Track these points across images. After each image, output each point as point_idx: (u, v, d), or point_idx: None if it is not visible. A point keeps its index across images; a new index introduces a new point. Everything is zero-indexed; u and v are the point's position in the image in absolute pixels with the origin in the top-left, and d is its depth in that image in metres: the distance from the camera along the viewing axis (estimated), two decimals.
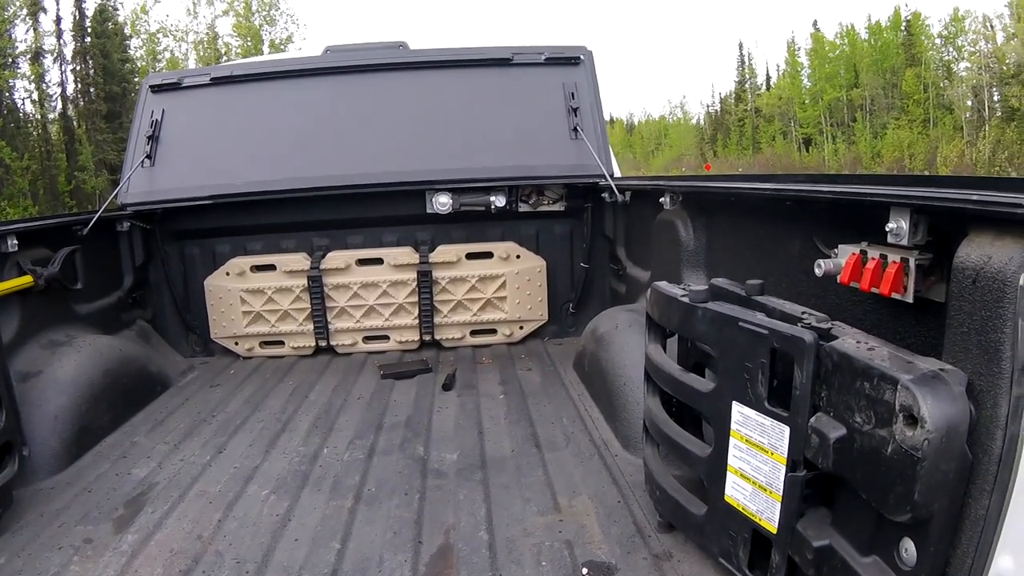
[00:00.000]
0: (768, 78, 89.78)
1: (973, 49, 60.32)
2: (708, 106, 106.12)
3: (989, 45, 58.43)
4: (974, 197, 1.80)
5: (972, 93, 59.70)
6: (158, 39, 51.24)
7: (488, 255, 5.90)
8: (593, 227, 6.03)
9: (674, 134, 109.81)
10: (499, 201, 5.81)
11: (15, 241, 4.25)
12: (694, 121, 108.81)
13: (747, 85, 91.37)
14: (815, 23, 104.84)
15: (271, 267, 5.88)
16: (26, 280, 4.32)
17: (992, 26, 57.85)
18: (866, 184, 2.32)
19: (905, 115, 62.87)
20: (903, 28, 66.73)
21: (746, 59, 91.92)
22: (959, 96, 60.53)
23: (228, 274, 5.90)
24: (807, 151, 75.69)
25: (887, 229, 2.14)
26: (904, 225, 2.10)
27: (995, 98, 58.10)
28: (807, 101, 76.32)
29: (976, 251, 1.85)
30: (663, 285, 2.90)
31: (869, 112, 67.95)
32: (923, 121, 61.57)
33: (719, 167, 76.77)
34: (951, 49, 62.79)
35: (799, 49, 78.78)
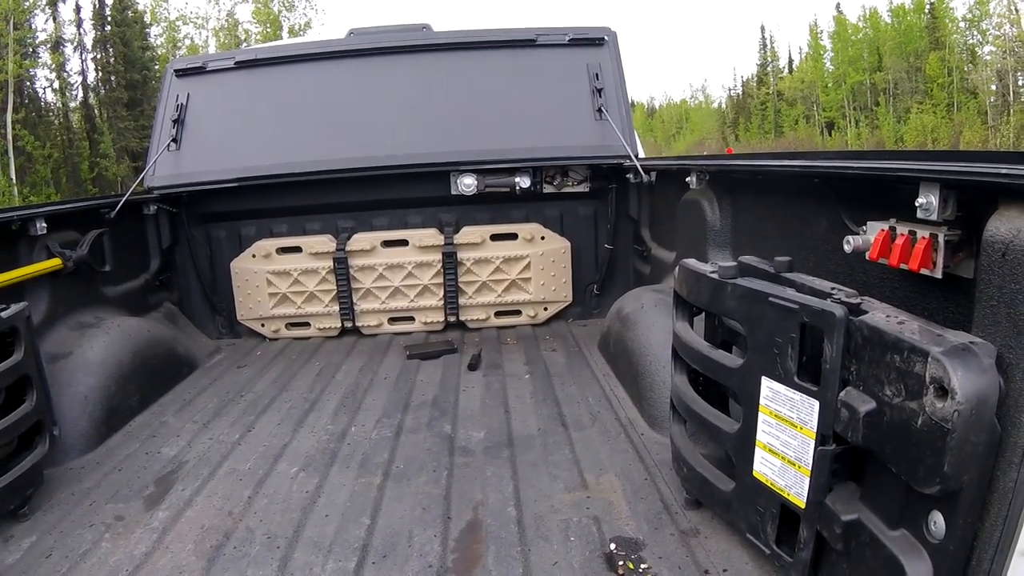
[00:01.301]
0: (790, 61, 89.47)
1: (998, 33, 59.82)
2: (730, 90, 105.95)
3: (1014, 29, 57.87)
4: (1003, 171, 1.80)
5: (996, 77, 59.18)
6: (178, 27, 51.41)
7: (513, 236, 5.91)
8: (617, 208, 6.03)
9: (695, 118, 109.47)
10: (524, 182, 5.81)
11: (44, 224, 4.31)
12: (716, 105, 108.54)
13: (769, 68, 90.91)
14: (838, 5, 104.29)
15: (297, 249, 5.92)
16: (55, 263, 4.38)
17: (1017, 9, 57.29)
18: (894, 159, 2.32)
19: (929, 99, 62.41)
20: (927, 11, 66.18)
21: (768, 42, 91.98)
22: (983, 80, 60.00)
23: (254, 256, 5.94)
24: (830, 135, 75.33)
25: (917, 204, 2.13)
26: (934, 200, 2.09)
27: (1020, 83, 57.58)
28: (830, 84, 75.90)
29: (1006, 224, 1.85)
30: (692, 262, 2.91)
31: (892, 96, 67.53)
32: (947, 105, 61.11)
33: (741, 151, 76.37)
34: (975, 32, 62.29)
35: (821, 32, 78.40)
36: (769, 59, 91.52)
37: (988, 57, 60.80)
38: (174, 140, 5.78)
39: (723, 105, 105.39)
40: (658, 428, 3.70)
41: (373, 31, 6.14)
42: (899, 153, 2.18)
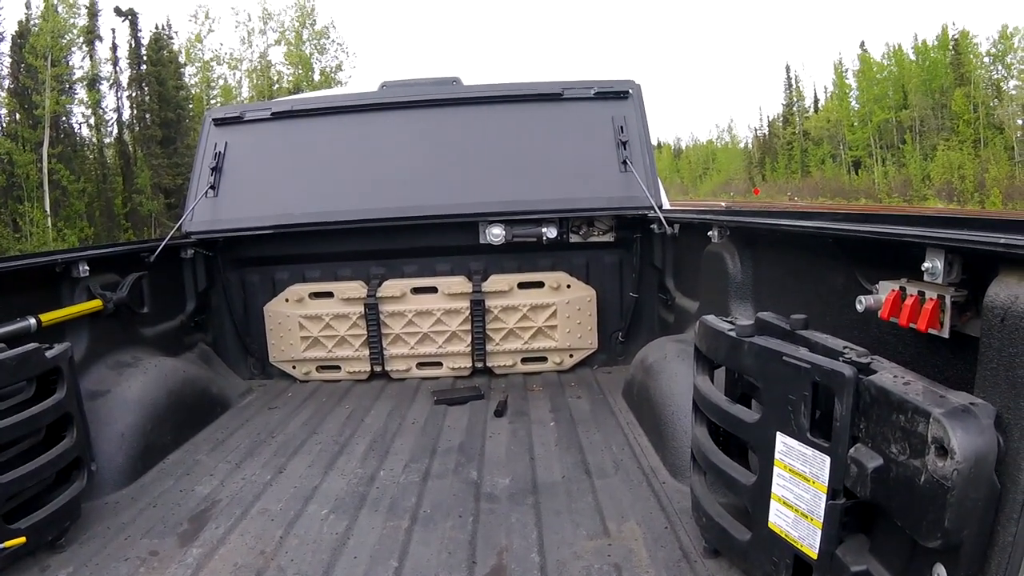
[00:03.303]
0: (816, 100, 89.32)
1: (1023, 67, 59.50)
2: (756, 129, 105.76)
3: None
4: (1002, 240, 1.90)
5: (1022, 112, 58.80)
6: (212, 67, 52.08)
7: (539, 284, 6.01)
8: (642, 257, 6.12)
9: (722, 158, 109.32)
10: (550, 232, 5.92)
11: (86, 267, 4.47)
12: (742, 145, 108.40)
13: (795, 108, 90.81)
14: (862, 44, 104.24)
15: (329, 294, 6.05)
16: (96, 304, 4.53)
17: None
18: (903, 225, 2.41)
19: (955, 136, 62.00)
20: (951, 47, 65.97)
21: (793, 81, 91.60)
22: (1009, 115, 59.64)
23: (287, 300, 6.08)
24: (856, 174, 74.98)
25: (923, 268, 2.23)
26: (939, 265, 2.19)
27: None
28: (856, 123, 75.65)
29: (1005, 291, 1.94)
30: (711, 319, 3.00)
31: (919, 133, 67.15)
32: (973, 142, 60.71)
33: (768, 191, 76.32)
34: (1000, 67, 61.98)
35: (846, 70, 78.27)
36: (795, 98, 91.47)
37: (1014, 92, 60.54)
38: (212, 187, 5.96)
39: (749, 145, 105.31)
40: (679, 477, 3.76)
41: (405, 84, 6.30)
42: (907, 218, 2.22)
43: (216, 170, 6.01)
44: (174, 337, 5.64)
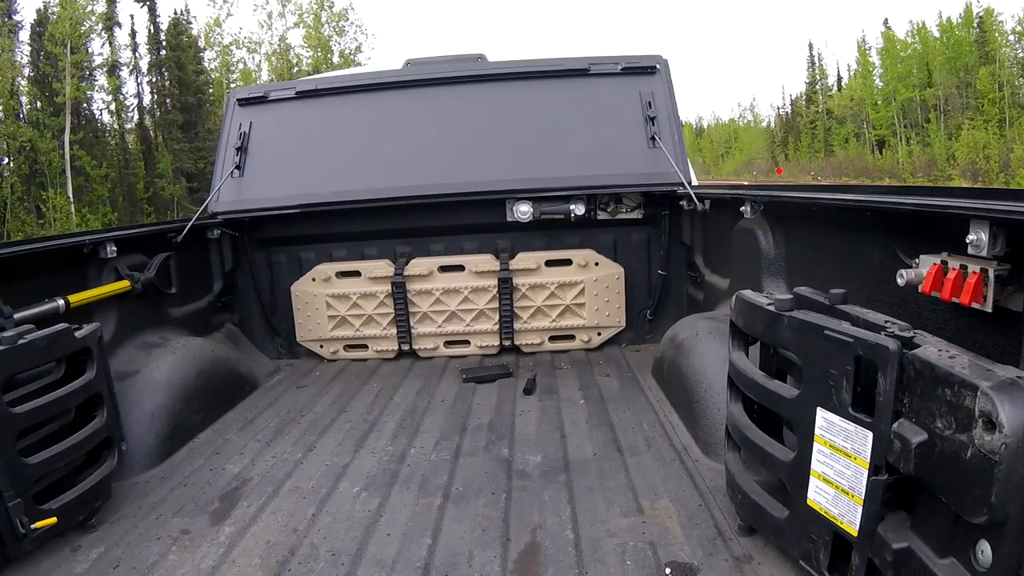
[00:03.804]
0: (839, 79, 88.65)
1: None
2: (778, 108, 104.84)
3: None
4: None
5: None
6: (231, 51, 52.15)
7: (567, 262, 5.99)
8: (670, 235, 6.09)
9: (744, 137, 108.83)
10: (578, 209, 5.90)
11: (114, 248, 4.50)
12: (764, 124, 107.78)
13: (818, 86, 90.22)
14: (886, 21, 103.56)
15: (356, 273, 6.06)
16: (123, 285, 4.55)
17: None
18: (946, 196, 2.38)
19: (980, 115, 61.45)
20: (975, 25, 65.29)
21: (816, 60, 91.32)
22: None
23: (314, 280, 6.10)
24: (880, 153, 74.45)
25: (967, 241, 2.20)
26: (984, 237, 2.16)
27: None
28: (879, 102, 75.03)
29: None
30: (748, 293, 2.97)
31: (943, 112, 66.58)
32: (999, 121, 60.16)
33: (790, 170, 75.92)
34: None
35: (870, 48, 77.68)
36: (818, 77, 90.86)
37: None
38: (237, 167, 5.97)
39: (772, 124, 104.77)
40: (712, 454, 3.75)
41: (430, 61, 6.26)
42: (950, 190, 2.20)
43: (241, 150, 6.02)
44: (202, 317, 5.67)
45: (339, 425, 4.60)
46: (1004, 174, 54.02)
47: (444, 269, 6.01)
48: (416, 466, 3.88)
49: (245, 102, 6.21)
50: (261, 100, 6.20)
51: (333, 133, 6.07)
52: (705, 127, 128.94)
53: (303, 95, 6.19)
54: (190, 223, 5.41)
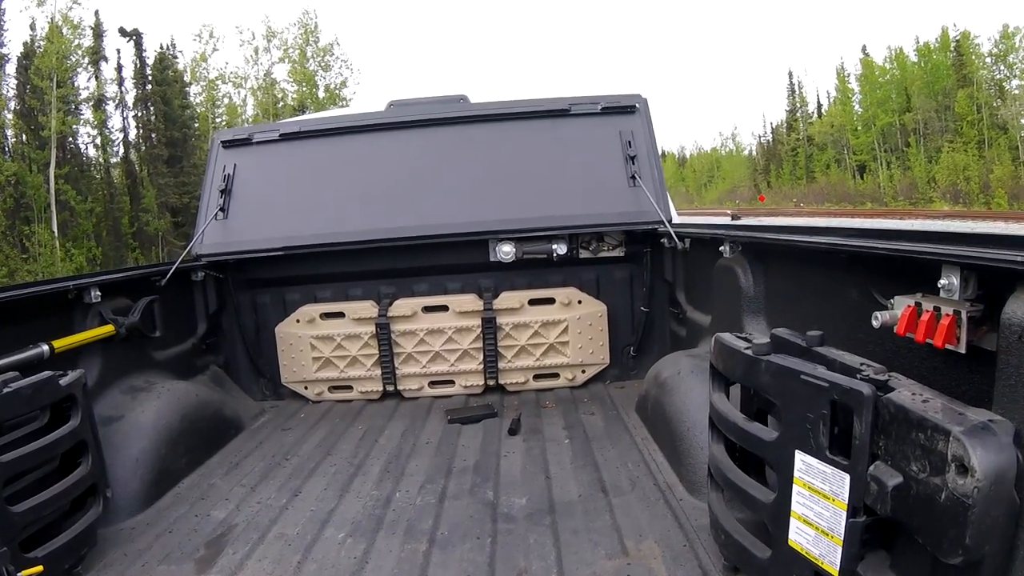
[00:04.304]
0: (819, 106, 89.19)
1: None
2: (760, 136, 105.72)
3: None
4: (1019, 258, 1.91)
5: None
6: (217, 86, 52.29)
7: (550, 301, 6.01)
8: (653, 272, 6.12)
9: (727, 166, 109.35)
10: (560, 249, 5.93)
11: (98, 292, 4.50)
12: (746, 152, 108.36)
13: (798, 114, 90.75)
14: (864, 48, 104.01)
15: (340, 315, 6.06)
16: (108, 329, 4.54)
17: None
18: (918, 240, 2.41)
19: (959, 137, 62.00)
20: (952, 49, 66.00)
21: (796, 88, 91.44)
22: (1013, 115, 59.68)
23: (298, 321, 6.09)
24: (862, 178, 74.92)
25: (940, 286, 2.24)
26: (955, 281, 2.20)
27: None
28: (859, 127, 75.68)
29: (1022, 308, 1.95)
30: (727, 337, 3.00)
31: (923, 136, 67.13)
32: (978, 143, 60.70)
33: (773, 197, 76.28)
34: (1002, 67, 62.02)
35: (849, 75, 78.29)
36: (798, 104, 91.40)
37: (1017, 91, 60.58)
38: (221, 209, 5.99)
39: (754, 152, 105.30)
40: (696, 493, 3.76)
41: (412, 102, 6.31)
42: (922, 233, 2.23)
43: (225, 192, 6.04)
44: (186, 360, 5.65)
45: (324, 468, 4.59)
46: (984, 195, 54.45)
47: (428, 309, 6.02)
48: (401, 511, 3.86)
49: (229, 144, 6.25)
50: (245, 142, 6.24)
51: (317, 175, 6.10)
52: (688, 156, 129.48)
53: (287, 137, 6.23)
54: (174, 266, 5.42)
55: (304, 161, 6.16)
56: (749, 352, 2.73)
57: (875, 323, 2.54)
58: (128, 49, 49.21)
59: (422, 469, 4.46)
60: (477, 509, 3.83)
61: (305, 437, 5.26)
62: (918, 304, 2.41)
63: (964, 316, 2.23)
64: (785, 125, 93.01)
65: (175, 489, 4.35)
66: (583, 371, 6.11)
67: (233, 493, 4.26)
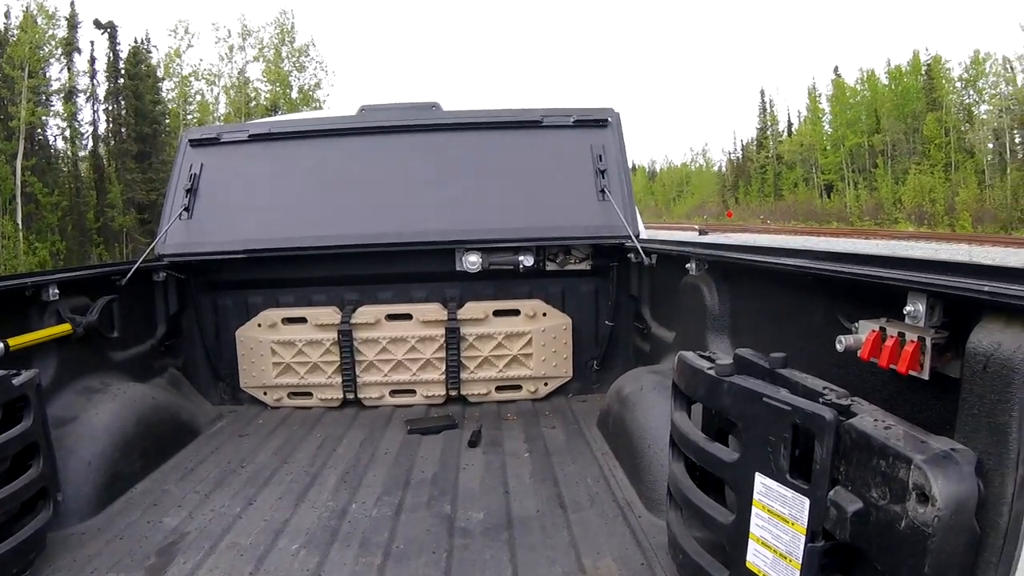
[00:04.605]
0: (790, 125, 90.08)
1: (994, 92, 60.56)
2: (730, 153, 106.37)
3: (1009, 87, 58.61)
4: (986, 288, 1.90)
5: (993, 136, 59.83)
6: (190, 82, 51.98)
7: (515, 312, 5.98)
8: (618, 286, 6.10)
9: (696, 181, 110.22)
10: (527, 261, 5.91)
11: (56, 290, 4.40)
12: (716, 168, 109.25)
13: (768, 132, 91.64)
14: (836, 69, 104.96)
15: (302, 320, 5.98)
16: (64, 328, 4.44)
17: (1012, 68, 58.12)
18: (885, 266, 2.41)
19: (926, 160, 62.88)
20: (923, 72, 66.93)
21: (767, 106, 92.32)
22: (980, 139, 60.61)
23: (260, 325, 6.01)
24: (828, 197, 75.77)
25: (905, 312, 2.23)
26: (921, 308, 2.20)
27: (1016, 140, 58.18)
28: (828, 147, 76.60)
29: (987, 337, 1.95)
30: (690, 356, 2.98)
31: (890, 157, 67.98)
32: (944, 165, 61.57)
33: (741, 214, 76.94)
34: (972, 92, 62.99)
35: (820, 95, 79.29)
36: (768, 123, 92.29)
37: (985, 116, 61.51)
38: (186, 209, 5.89)
39: (723, 168, 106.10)
40: (655, 510, 3.72)
41: (383, 108, 6.27)
42: (889, 259, 2.23)
43: (191, 192, 5.94)
44: (144, 361, 5.54)
45: (280, 477, 4.51)
46: (949, 216, 55.19)
47: (391, 317, 5.96)
48: (357, 522, 3.80)
49: (197, 143, 6.16)
50: (213, 142, 6.15)
51: (284, 177, 6.03)
52: (658, 170, 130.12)
53: (256, 138, 6.15)
54: (135, 266, 5.32)
55: (272, 163, 6.09)
56: (712, 372, 2.72)
57: (839, 347, 2.52)
58: (102, 41, 48.62)
59: (379, 480, 4.39)
60: (434, 523, 3.77)
61: (262, 444, 5.17)
62: (883, 329, 2.40)
63: (929, 343, 2.22)
64: (755, 143, 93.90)
65: (128, 494, 4.24)
66: (546, 384, 6.07)
67: (186, 500, 4.17)
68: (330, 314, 5.95)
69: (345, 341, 5.87)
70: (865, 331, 2.46)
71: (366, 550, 3.49)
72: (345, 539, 3.61)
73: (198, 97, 52.99)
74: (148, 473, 4.56)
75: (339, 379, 5.96)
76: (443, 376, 5.96)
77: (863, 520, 2.07)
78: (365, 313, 5.93)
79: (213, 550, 3.52)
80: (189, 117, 51.06)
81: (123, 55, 48.94)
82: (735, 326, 4.20)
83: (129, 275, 5.22)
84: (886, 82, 70.78)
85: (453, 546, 3.50)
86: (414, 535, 3.63)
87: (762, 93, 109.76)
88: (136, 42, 50.06)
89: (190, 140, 6.20)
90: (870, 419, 2.14)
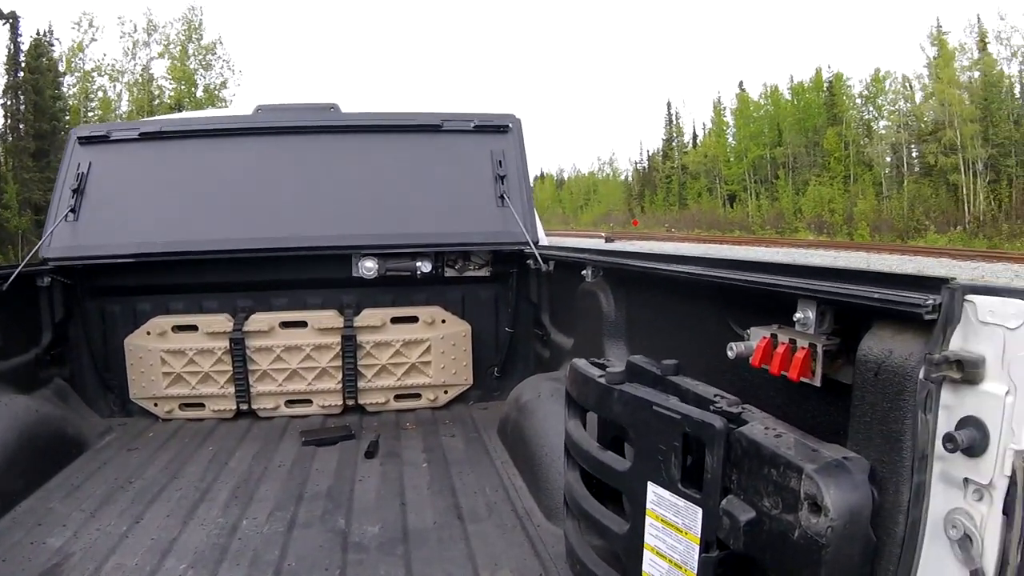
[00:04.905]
0: (695, 136, 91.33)
1: (892, 108, 62.53)
2: (636, 163, 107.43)
3: (908, 104, 60.59)
4: (876, 295, 1.90)
5: (891, 150, 61.79)
6: (93, 78, 50.66)
7: (413, 319, 5.88)
8: (518, 292, 6.08)
9: (603, 190, 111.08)
10: (425, 267, 5.84)
11: None
12: (623, 177, 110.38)
13: (674, 143, 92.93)
14: (741, 84, 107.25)
15: (193, 328, 5.78)
16: None
17: (911, 86, 60.14)
18: (776, 274, 2.40)
19: (826, 172, 64.63)
20: (825, 88, 68.76)
21: (674, 118, 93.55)
22: (878, 153, 62.54)
23: (149, 333, 5.78)
24: (732, 207, 77.20)
25: (795, 319, 2.22)
26: (811, 315, 2.19)
27: (913, 155, 60.21)
28: (732, 159, 78.05)
29: (878, 344, 1.94)
30: (581, 364, 2.95)
31: (792, 169, 69.64)
32: (844, 178, 63.31)
33: (646, 222, 77.88)
34: (871, 108, 64.93)
35: (725, 109, 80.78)
36: (675, 134, 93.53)
37: (883, 131, 63.41)
38: (72, 210, 5.62)
39: (630, 178, 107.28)
40: (554, 519, 3.69)
41: (281, 108, 6.11)
42: (780, 266, 2.23)
43: (78, 192, 5.66)
44: (28, 372, 5.29)
45: (169, 493, 4.33)
46: (848, 226, 56.76)
47: (286, 325, 5.80)
48: (248, 540, 3.67)
49: (86, 141, 5.88)
50: (103, 140, 5.88)
51: (176, 178, 5.80)
52: (566, 179, 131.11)
53: (147, 136, 5.91)
54: (17, 270, 5.08)
55: (164, 163, 5.86)
56: (603, 380, 2.68)
57: (730, 354, 2.51)
58: (2, 32, 47.12)
59: (272, 494, 4.26)
60: (327, 538, 3.67)
61: (152, 458, 4.97)
62: (774, 336, 2.40)
63: (820, 350, 2.22)
64: (661, 153, 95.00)
65: (11, 513, 4.03)
66: (446, 392, 6.00)
67: (72, 519, 3.98)
68: (222, 321, 5.76)
69: (237, 350, 5.69)
70: (756, 338, 2.46)
71: (256, 569, 3.37)
72: (235, 558, 3.48)
73: (100, 94, 51.77)
74: (32, 491, 4.32)
75: (232, 389, 5.77)
76: (340, 385, 5.82)
77: (756, 530, 2.05)
78: (258, 320, 5.76)
79: (98, 572, 3.37)
80: (91, 114, 49.71)
81: (24, 47, 47.44)
82: (631, 333, 4.20)
83: (10, 280, 4.98)
84: (789, 97, 72.48)
85: (347, 562, 3.41)
86: (306, 552, 3.53)
87: (669, 105, 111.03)
88: (39, 34, 48.63)
89: (78, 138, 5.91)
90: (761, 427, 2.13)
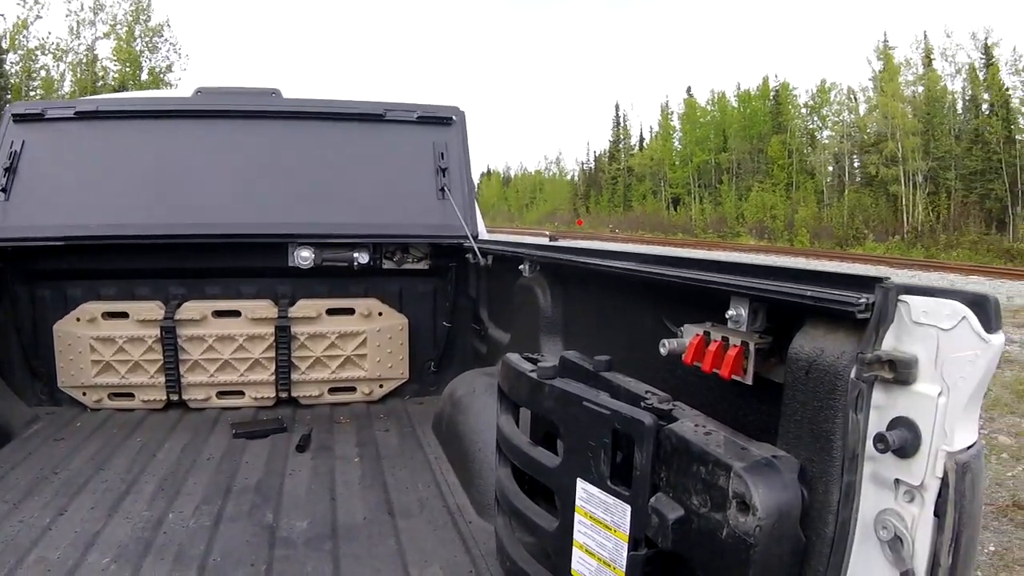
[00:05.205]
0: (642, 139, 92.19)
1: (837, 119, 63.72)
2: (583, 163, 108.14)
3: (852, 116, 61.75)
4: (808, 292, 1.89)
5: (833, 160, 62.95)
6: (36, 56, 49.59)
7: (349, 311, 5.81)
8: (457, 287, 6.05)
9: (549, 189, 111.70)
10: (362, 258, 5.76)
11: None
12: (569, 177, 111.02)
13: (621, 145, 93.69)
14: (688, 89, 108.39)
15: (123, 315, 5.63)
16: None
17: (856, 98, 61.31)
18: (709, 271, 2.39)
19: (769, 179, 65.62)
20: (771, 97, 69.81)
21: (621, 120, 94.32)
22: (821, 162, 63.68)
23: (79, 320, 5.63)
24: (675, 210, 78.12)
25: (727, 316, 2.21)
26: (743, 313, 2.17)
27: (855, 165, 61.38)
28: (677, 163, 79.06)
29: (810, 343, 1.93)
30: (514, 358, 2.93)
31: (736, 175, 70.59)
32: (786, 185, 64.32)
33: (591, 223, 78.31)
34: (816, 118, 66.15)
35: (672, 113, 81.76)
36: (621, 136, 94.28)
37: (826, 141, 64.55)
38: (3, 190, 5.43)
39: (576, 178, 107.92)
40: (486, 516, 3.67)
41: (221, 91, 5.97)
42: (713, 263, 2.24)
43: (10, 171, 5.47)
44: None
45: (95, 485, 4.21)
46: (789, 232, 57.61)
47: (219, 314, 5.69)
48: (173, 534, 3.58)
49: (20, 118, 5.69)
50: (38, 118, 5.70)
51: (111, 160, 5.64)
52: (513, 176, 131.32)
53: (83, 116, 5.74)
54: None
55: (99, 144, 5.69)
56: (534, 375, 2.66)
57: (663, 350, 2.50)
58: None
59: (200, 488, 4.17)
60: (254, 533, 3.60)
61: (78, 449, 4.84)
62: (707, 333, 2.39)
63: (752, 348, 2.21)
64: (608, 154, 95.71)
65: None
66: (381, 385, 5.93)
67: None
68: (153, 309, 5.63)
69: (168, 338, 5.56)
70: (689, 335, 2.45)
71: (180, 563, 3.29)
72: (159, 552, 3.40)
73: (43, 73, 50.73)
74: None
75: (162, 379, 5.64)
76: (273, 377, 5.73)
77: (685, 528, 2.04)
78: (191, 309, 5.64)
79: (19, 565, 3.27)
80: (32, 94, 48.67)
81: None
82: (568, 329, 4.19)
83: None
84: (736, 104, 73.55)
85: (273, 557, 3.35)
86: (232, 547, 3.45)
87: (617, 107, 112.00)
88: None
89: (13, 115, 5.70)
90: (691, 424, 2.12)
